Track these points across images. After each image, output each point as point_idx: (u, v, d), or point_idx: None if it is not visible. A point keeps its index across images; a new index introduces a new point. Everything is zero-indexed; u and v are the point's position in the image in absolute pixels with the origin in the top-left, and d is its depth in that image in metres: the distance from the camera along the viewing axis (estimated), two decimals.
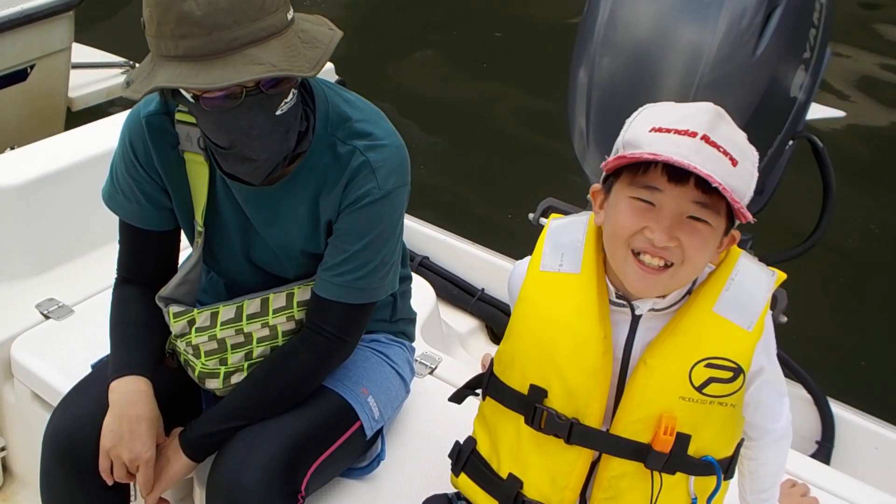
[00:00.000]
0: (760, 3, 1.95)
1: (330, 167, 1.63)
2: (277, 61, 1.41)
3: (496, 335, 2.83)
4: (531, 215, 2.59)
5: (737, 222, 1.36)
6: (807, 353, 2.43)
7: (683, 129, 1.29)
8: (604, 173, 1.39)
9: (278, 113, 1.49)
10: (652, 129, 1.32)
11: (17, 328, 2.24)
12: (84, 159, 2.53)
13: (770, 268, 1.44)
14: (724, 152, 1.29)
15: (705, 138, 1.29)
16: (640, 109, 1.39)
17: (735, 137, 1.33)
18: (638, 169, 1.32)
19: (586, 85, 2.11)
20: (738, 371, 1.38)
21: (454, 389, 2.06)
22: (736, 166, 1.30)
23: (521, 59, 6.13)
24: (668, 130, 1.30)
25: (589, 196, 1.47)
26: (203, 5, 1.38)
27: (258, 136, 1.50)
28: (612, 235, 1.38)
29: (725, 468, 1.45)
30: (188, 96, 1.49)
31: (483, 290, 2.83)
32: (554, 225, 1.51)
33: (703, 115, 1.32)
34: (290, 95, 1.51)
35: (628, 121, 1.39)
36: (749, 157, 1.34)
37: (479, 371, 2.12)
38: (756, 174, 1.35)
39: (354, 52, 4.59)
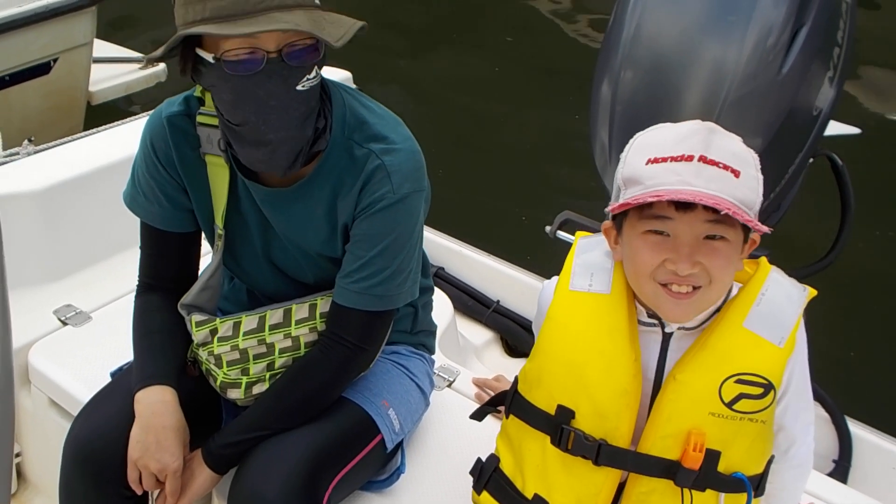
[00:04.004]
0: (787, 20, 1.94)
1: (346, 170, 1.63)
2: (302, 24, 1.43)
3: (511, 347, 2.82)
4: (548, 228, 2.59)
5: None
6: (824, 370, 2.40)
7: (679, 155, 1.30)
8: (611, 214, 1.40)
9: (299, 88, 1.49)
10: (648, 161, 1.32)
11: (34, 334, 2.24)
12: (103, 165, 2.54)
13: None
14: (725, 166, 1.29)
15: (703, 159, 1.29)
16: (631, 141, 1.39)
17: (731, 147, 1.33)
18: (644, 204, 1.32)
19: (609, 99, 2.09)
20: (768, 387, 1.37)
21: (472, 402, 2.08)
22: (739, 177, 1.30)
23: (541, 67, 6.12)
24: (665, 159, 1.31)
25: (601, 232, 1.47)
26: None
27: (275, 109, 1.49)
28: (635, 274, 1.38)
29: (756, 485, 1.44)
30: (209, 58, 1.48)
31: (498, 301, 2.82)
32: (582, 244, 1.51)
33: (694, 135, 1.32)
34: (314, 72, 1.51)
35: (622, 155, 1.39)
36: (750, 161, 1.34)
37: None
38: (761, 177, 1.35)
39: (369, 58, 4.59)
